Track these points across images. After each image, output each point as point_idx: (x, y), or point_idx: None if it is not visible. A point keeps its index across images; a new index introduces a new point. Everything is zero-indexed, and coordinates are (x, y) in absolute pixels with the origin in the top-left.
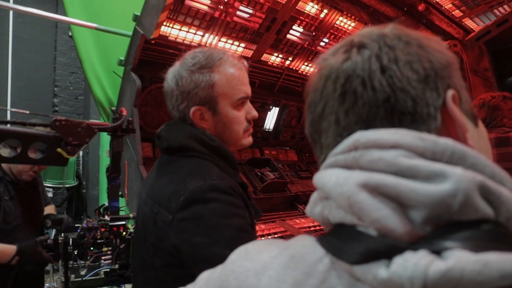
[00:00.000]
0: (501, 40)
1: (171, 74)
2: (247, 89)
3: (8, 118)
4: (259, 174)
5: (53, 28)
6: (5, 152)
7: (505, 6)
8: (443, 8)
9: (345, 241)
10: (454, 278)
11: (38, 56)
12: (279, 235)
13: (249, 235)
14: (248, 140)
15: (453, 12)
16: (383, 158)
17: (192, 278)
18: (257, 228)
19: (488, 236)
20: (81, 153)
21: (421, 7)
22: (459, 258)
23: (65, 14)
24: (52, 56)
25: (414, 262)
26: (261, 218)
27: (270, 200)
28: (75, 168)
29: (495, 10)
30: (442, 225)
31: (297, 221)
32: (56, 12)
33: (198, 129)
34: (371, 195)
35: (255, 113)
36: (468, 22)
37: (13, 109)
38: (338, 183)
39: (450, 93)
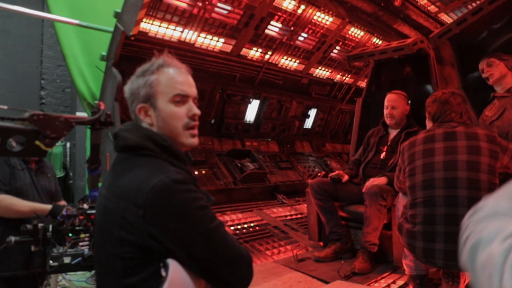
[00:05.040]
0: (466, 37)
1: (127, 83)
2: (186, 89)
3: None
4: (239, 165)
5: (40, 21)
6: None
7: (478, 2)
8: (419, 3)
9: None
10: None
11: (25, 50)
12: (256, 223)
13: (210, 210)
14: (191, 140)
15: (428, 8)
16: None
17: (156, 262)
18: (234, 217)
19: None
20: (67, 144)
21: (397, 2)
22: None
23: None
24: (39, 49)
25: None
26: (239, 207)
27: (250, 190)
28: (61, 159)
29: (469, 6)
30: None
31: (275, 210)
32: (42, 7)
33: (151, 130)
34: None
35: (195, 111)
36: (444, 17)
37: None
38: None
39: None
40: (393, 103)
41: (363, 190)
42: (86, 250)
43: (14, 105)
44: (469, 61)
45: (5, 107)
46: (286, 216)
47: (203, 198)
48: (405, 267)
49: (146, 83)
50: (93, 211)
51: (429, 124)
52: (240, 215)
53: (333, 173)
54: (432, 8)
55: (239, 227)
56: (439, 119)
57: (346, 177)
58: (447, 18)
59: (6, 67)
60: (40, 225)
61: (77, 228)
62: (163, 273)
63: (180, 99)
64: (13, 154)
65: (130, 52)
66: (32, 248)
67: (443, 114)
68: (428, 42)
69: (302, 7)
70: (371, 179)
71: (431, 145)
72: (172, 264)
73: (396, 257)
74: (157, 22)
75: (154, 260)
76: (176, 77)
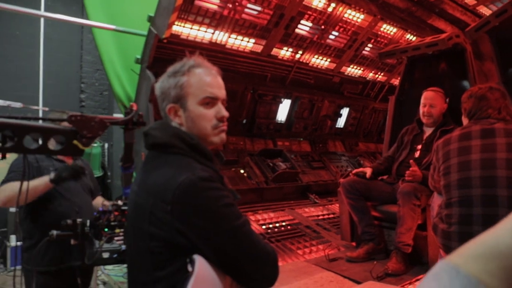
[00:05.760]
0: (506, 30)
1: (158, 82)
2: (216, 91)
3: (40, 115)
4: (271, 164)
5: (79, 28)
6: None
7: None
8: None
9: None
10: None
11: (66, 55)
12: (287, 222)
13: (236, 208)
14: (220, 137)
15: (465, 1)
16: None
17: (184, 257)
18: (265, 216)
19: None
20: (105, 145)
21: None
22: None
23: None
24: (79, 54)
25: None
26: (271, 207)
27: (282, 190)
28: (100, 159)
29: None
30: None
31: (307, 210)
32: (81, 14)
33: (180, 129)
34: None
35: (224, 113)
36: (483, 10)
37: (33, 107)
38: None
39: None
40: (432, 101)
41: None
42: (123, 246)
43: (57, 108)
44: (510, 54)
45: (47, 109)
46: (318, 215)
47: (229, 196)
48: None
49: (177, 84)
50: (127, 207)
51: (465, 120)
52: (272, 214)
53: (357, 169)
54: (470, 1)
55: (270, 226)
56: (475, 115)
57: (368, 172)
58: (486, 11)
59: (50, 72)
60: (78, 220)
61: (112, 223)
62: (190, 268)
63: (210, 101)
64: (54, 153)
65: (163, 54)
66: (72, 241)
67: (479, 110)
68: (465, 36)
69: (333, 5)
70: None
71: (467, 142)
72: (198, 260)
73: (431, 259)
74: (188, 25)
75: (182, 255)
76: (206, 79)
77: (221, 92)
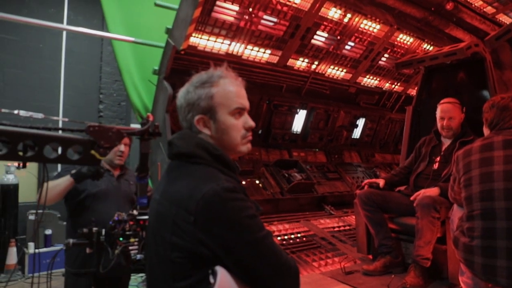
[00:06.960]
0: None
1: (181, 92)
2: (244, 102)
3: (60, 125)
4: (286, 175)
5: (99, 40)
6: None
7: None
8: (473, 5)
9: None
10: None
11: (86, 67)
12: (303, 234)
13: (259, 220)
14: (247, 146)
15: (484, 9)
16: None
17: (206, 268)
18: (281, 227)
19: None
20: None
21: (449, 6)
22: None
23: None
24: (98, 66)
25: None
26: (286, 218)
27: (297, 201)
28: None
29: None
30: None
31: (322, 221)
32: (102, 27)
33: (204, 139)
34: None
35: (251, 123)
36: (503, 18)
37: (53, 117)
38: None
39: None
40: (450, 114)
41: (414, 204)
42: (138, 256)
43: (76, 118)
44: None
45: (66, 119)
46: (333, 227)
47: (252, 207)
48: (462, 284)
49: (206, 95)
50: (142, 217)
51: (486, 131)
52: (287, 226)
53: (371, 180)
54: (489, 10)
55: (286, 237)
56: (497, 126)
57: (381, 183)
58: (506, 19)
59: (70, 83)
60: (94, 229)
61: (127, 232)
62: (211, 280)
63: (239, 111)
64: (73, 162)
65: (180, 65)
66: (87, 250)
67: (502, 120)
68: (484, 45)
69: (348, 15)
70: (423, 190)
71: (489, 153)
72: (221, 271)
73: (452, 273)
74: (205, 36)
75: (203, 266)
76: (235, 90)
77: (247, 103)
